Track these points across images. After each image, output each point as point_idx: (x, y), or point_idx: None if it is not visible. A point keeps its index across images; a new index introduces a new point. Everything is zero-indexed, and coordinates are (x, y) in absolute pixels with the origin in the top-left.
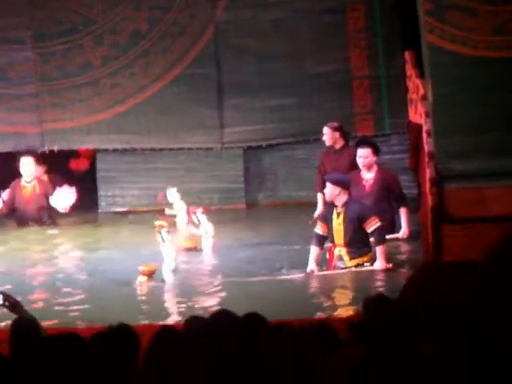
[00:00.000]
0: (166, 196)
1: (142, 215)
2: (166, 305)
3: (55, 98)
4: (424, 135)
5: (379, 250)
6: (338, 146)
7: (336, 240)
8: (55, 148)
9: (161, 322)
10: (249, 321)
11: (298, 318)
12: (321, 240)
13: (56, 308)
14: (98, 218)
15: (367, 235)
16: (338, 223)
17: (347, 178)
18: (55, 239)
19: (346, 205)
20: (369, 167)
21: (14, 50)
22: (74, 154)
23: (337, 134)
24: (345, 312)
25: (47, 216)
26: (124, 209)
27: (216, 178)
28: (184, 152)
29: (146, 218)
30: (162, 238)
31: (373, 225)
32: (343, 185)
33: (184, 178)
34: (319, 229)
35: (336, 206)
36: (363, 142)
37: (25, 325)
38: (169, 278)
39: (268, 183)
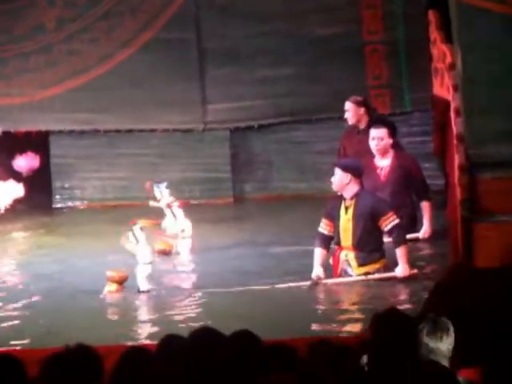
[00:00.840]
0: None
1: (106, 211)
2: (138, 320)
3: None
4: (452, 113)
5: (400, 253)
6: (363, 125)
7: (343, 241)
8: None
9: (131, 343)
10: (238, 340)
11: (298, 338)
12: (326, 241)
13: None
14: (52, 216)
15: (380, 236)
16: (345, 219)
17: (360, 163)
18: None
19: (356, 197)
20: (384, 152)
21: None
22: (19, 147)
23: (361, 111)
24: (354, 329)
25: None
26: (83, 204)
27: (197, 165)
28: (157, 134)
29: (111, 215)
30: (135, 237)
31: (390, 221)
32: (355, 172)
33: (158, 166)
34: (323, 227)
35: (344, 199)
36: (377, 121)
37: None
38: (144, 286)
39: (259, 172)
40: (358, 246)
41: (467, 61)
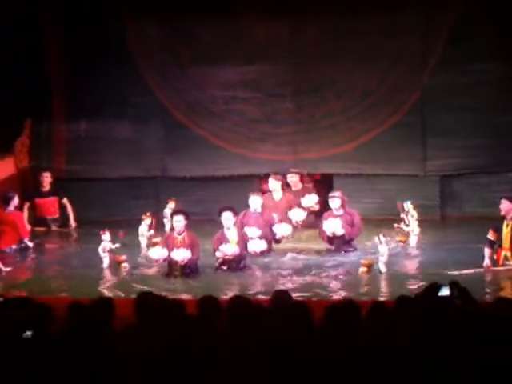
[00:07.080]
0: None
1: (370, 222)
2: (380, 288)
3: (307, 136)
4: None
5: None
6: None
7: (503, 244)
8: (305, 172)
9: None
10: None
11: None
12: (491, 243)
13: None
14: None
15: None
16: (506, 231)
17: None
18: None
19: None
20: None
21: (278, 102)
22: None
23: None
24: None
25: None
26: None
27: (419, 196)
28: (396, 177)
29: (373, 225)
30: (380, 240)
31: None
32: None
33: (397, 195)
34: (490, 235)
35: (505, 218)
36: None
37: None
38: (383, 269)
39: (456, 202)
40: None
41: None
